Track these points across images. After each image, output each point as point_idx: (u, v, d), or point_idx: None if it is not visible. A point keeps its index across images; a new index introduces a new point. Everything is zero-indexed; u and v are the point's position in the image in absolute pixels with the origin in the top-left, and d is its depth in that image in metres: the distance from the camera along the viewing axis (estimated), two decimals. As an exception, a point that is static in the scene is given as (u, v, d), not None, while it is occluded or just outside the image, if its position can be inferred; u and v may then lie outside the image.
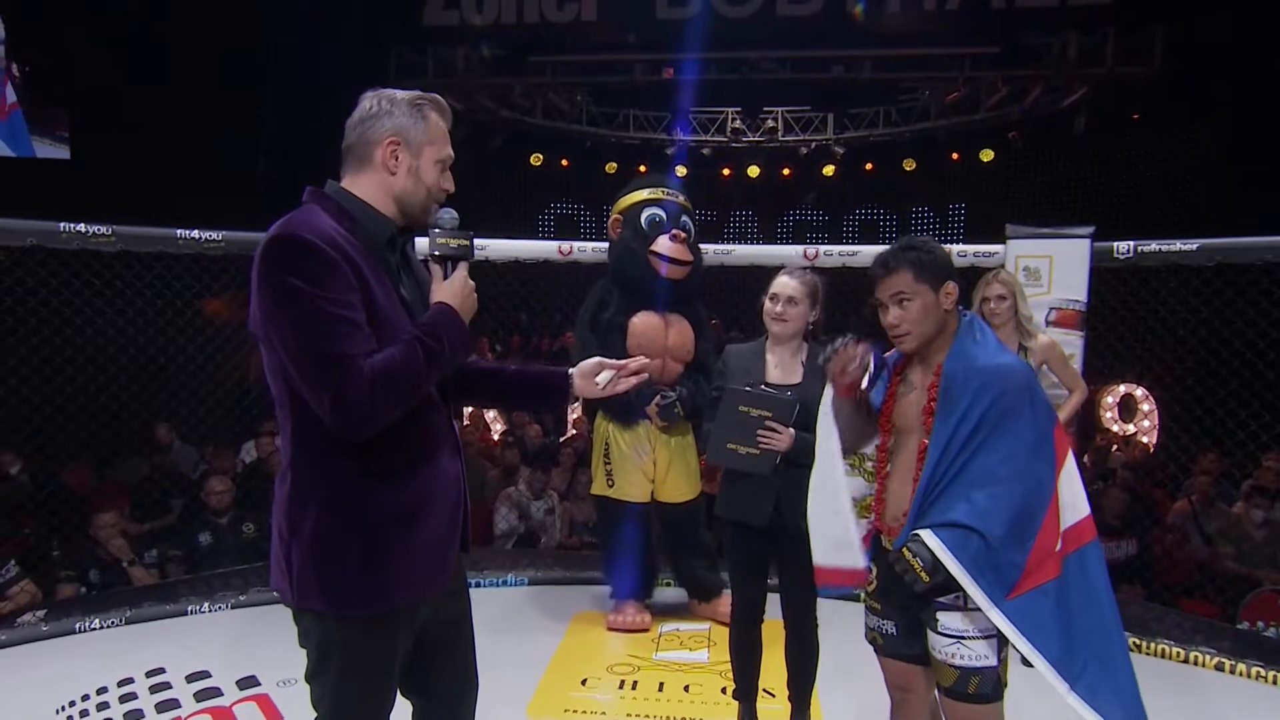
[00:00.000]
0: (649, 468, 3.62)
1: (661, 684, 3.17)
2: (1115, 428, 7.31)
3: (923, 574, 1.76)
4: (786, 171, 13.35)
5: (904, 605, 1.97)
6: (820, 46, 10.71)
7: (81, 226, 3.51)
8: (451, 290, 1.60)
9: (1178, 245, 3.51)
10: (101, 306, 4.10)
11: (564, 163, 13.21)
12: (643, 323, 3.55)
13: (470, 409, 6.79)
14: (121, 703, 2.92)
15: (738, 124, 12.60)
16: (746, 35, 10.50)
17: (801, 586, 2.60)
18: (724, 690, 3.10)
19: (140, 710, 2.87)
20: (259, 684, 3.05)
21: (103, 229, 3.54)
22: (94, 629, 3.56)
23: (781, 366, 2.62)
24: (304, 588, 1.53)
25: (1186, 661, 3.45)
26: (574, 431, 7.24)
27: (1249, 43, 7.91)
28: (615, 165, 13.26)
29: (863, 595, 2.10)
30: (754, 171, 13.05)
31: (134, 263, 3.79)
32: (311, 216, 1.51)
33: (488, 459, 6.37)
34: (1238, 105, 8.54)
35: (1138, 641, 3.56)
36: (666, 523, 3.74)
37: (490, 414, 7.54)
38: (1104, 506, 4.92)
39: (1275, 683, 3.28)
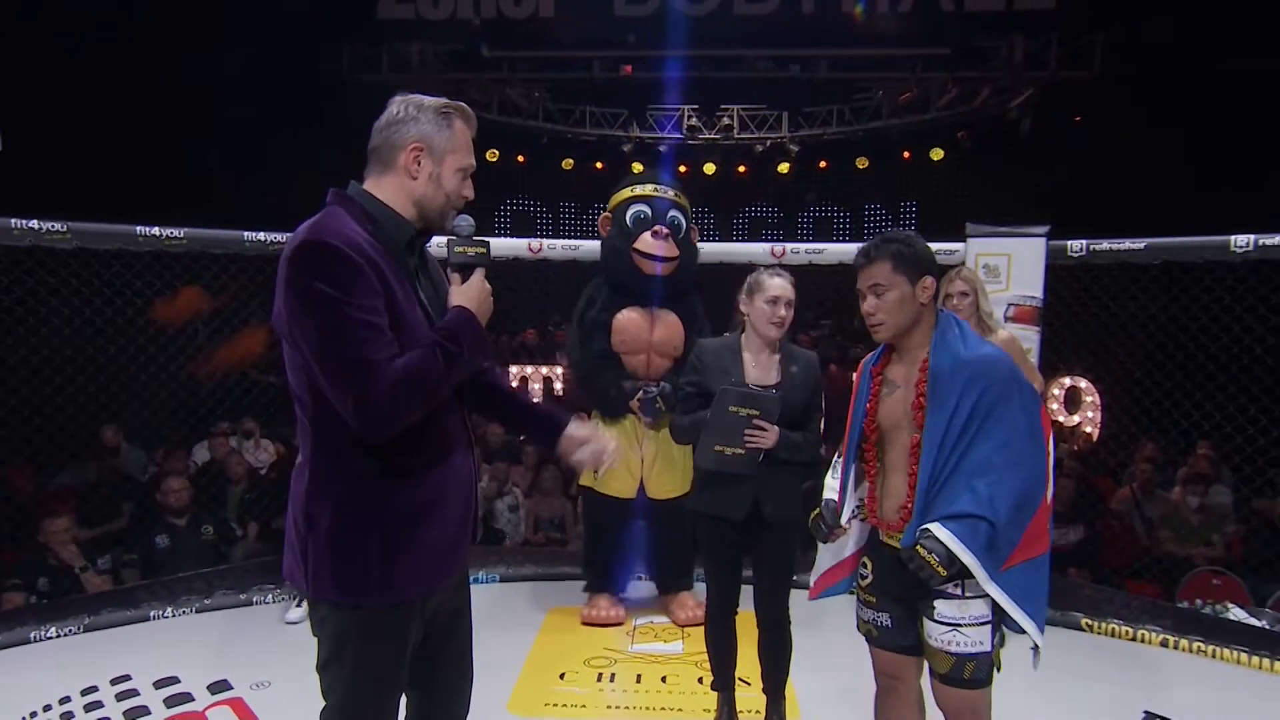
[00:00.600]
0: (635, 464, 3.65)
1: (639, 675, 3.21)
2: (1061, 419, 7.59)
3: (939, 569, 1.78)
4: (742, 169, 13.49)
5: (900, 596, 2.00)
6: (777, 46, 10.85)
7: (35, 223, 3.39)
8: (469, 295, 1.63)
9: (1126, 244, 3.68)
10: (46, 306, 3.96)
11: (520, 159, 13.13)
12: (625, 319, 3.58)
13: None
14: (87, 711, 2.84)
15: (694, 121, 12.69)
16: (704, 33, 10.58)
17: (777, 580, 2.66)
18: (700, 680, 3.16)
19: (108, 718, 2.80)
20: (231, 688, 3.00)
21: (58, 226, 3.42)
22: (50, 638, 3.45)
23: (760, 366, 2.63)
24: (320, 579, 1.56)
25: (1134, 639, 3.63)
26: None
27: (1185, 49, 8.27)
28: (572, 162, 13.23)
29: (856, 588, 2.14)
30: (710, 169, 13.15)
31: (76, 262, 3.66)
32: (336, 220, 1.53)
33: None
34: (1175, 108, 8.93)
35: (1089, 621, 3.73)
36: (650, 517, 3.77)
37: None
38: (1055, 495, 5.11)
39: (1215, 656, 3.47)
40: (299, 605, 3.72)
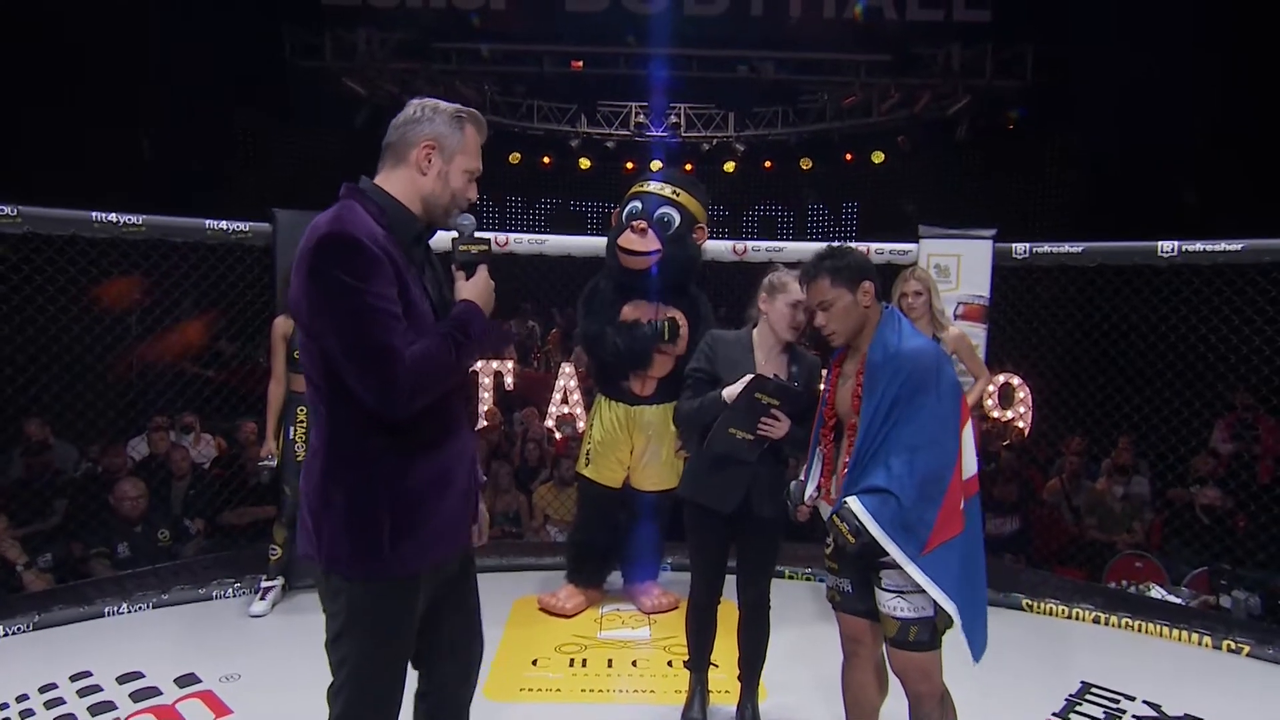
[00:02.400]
0: (625, 454, 3.71)
1: (610, 660, 3.29)
2: (995, 414, 7.98)
3: (850, 537, 2.02)
4: (689, 167, 13.61)
5: (856, 565, 2.18)
6: (725, 47, 11.02)
7: (-18, 206, 3.26)
8: (475, 290, 1.74)
9: (1066, 247, 3.92)
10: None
11: (468, 152, 12.95)
12: (629, 312, 3.63)
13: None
14: (48, 708, 2.78)
15: (641, 119, 12.77)
16: (653, 32, 10.68)
17: (761, 571, 2.75)
18: (669, 664, 3.26)
19: (72, 714, 2.74)
20: (200, 680, 2.96)
21: (7, 209, 3.30)
22: (-2, 636, 3.33)
23: (770, 364, 2.68)
24: (335, 555, 1.63)
25: (1070, 618, 3.89)
26: (486, 424, 7.21)
27: (1109, 60, 8.76)
28: (519, 155, 13.16)
29: (825, 556, 2.29)
30: (656, 166, 13.24)
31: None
32: (354, 214, 1.61)
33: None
34: (1100, 118, 9.45)
35: (1029, 602, 3.98)
36: (631, 507, 3.82)
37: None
38: (991, 488, 5.38)
39: (1140, 630, 3.76)
40: (263, 599, 3.68)
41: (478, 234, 1.79)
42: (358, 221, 1.58)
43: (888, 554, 2.03)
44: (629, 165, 13.44)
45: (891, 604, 2.10)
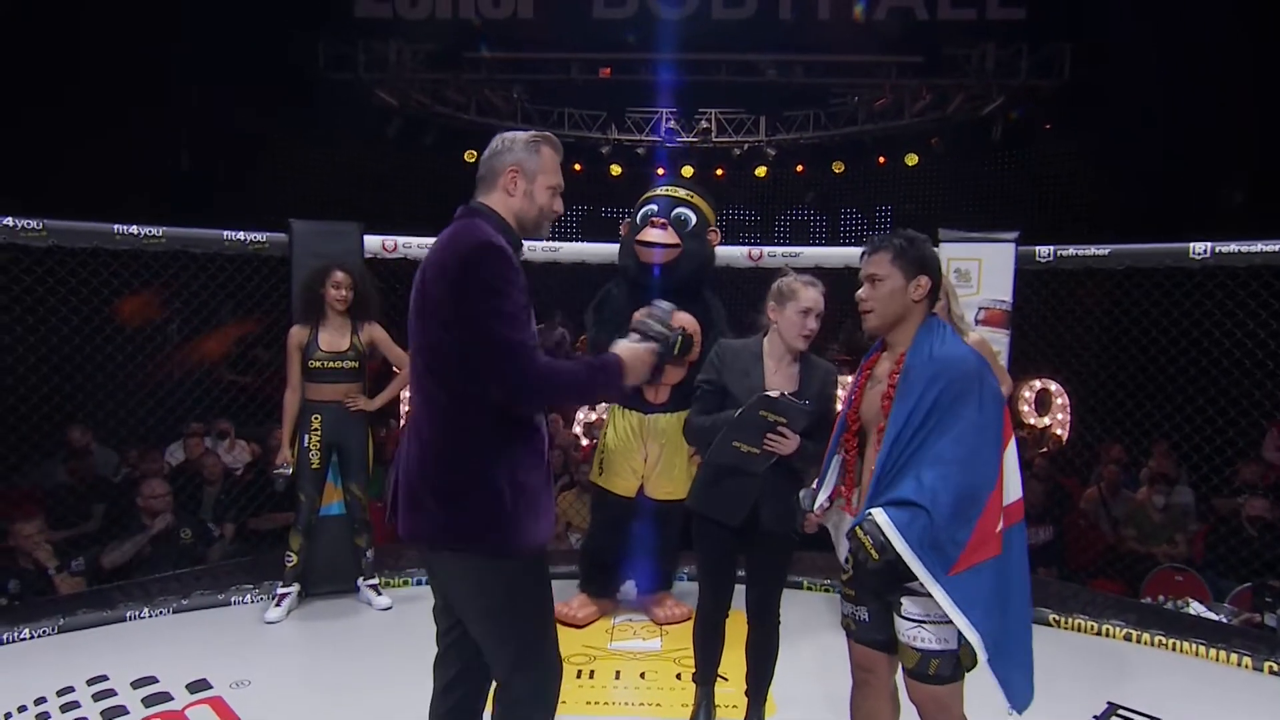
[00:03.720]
0: (638, 463, 3.67)
1: (618, 672, 3.26)
2: (1032, 420, 7.77)
3: (873, 552, 1.84)
4: (720, 172, 13.57)
5: (876, 591, 2.03)
6: (754, 50, 10.95)
7: (10, 221, 3.36)
8: (632, 353, 1.95)
9: (1092, 250, 3.79)
10: (15, 306, 3.91)
11: (500, 161, 13.06)
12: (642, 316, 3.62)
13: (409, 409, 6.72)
14: (63, 712, 2.83)
15: (672, 124, 12.75)
16: (682, 36, 10.66)
17: (770, 584, 2.69)
18: (678, 676, 3.21)
19: (85, 718, 2.79)
20: (211, 687, 3.00)
21: (34, 224, 3.40)
22: (24, 639, 3.41)
23: (781, 373, 2.62)
24: (476, 530, 1.78)
25: (1099, 634, 3.74)
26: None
27: (1150, 60, 8.50)
28: (550, 163, 13.22)
29: (840, 583, 2.17)
30: (688, 172, 13.21)
31: (50, 260, 3.62)
32: (489, 228, 1.83)
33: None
34: (1138, 116, 9.16)
35: (1056, 617, 3.83)
36: (645, 517, 3.77)
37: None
38: (1024, 496, 5.22)
39: (1175, 649, 3.59)
40: (278, 605, 3.72)
41: (671, 323, 2.02)
42: (495, 234, 1.81)
43: (911, 576, 1.87)
44: (660, 171, 13.44)
45: (912, 633, 1.94)
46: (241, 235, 3.87)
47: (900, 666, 2.03)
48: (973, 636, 1.85)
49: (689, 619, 3.69)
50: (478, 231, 1.80)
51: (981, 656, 1.87)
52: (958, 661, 1.96)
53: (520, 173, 1.91)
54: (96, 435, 5.96)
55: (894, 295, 2.00)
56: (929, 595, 1.87)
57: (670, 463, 3.65)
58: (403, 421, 7.20)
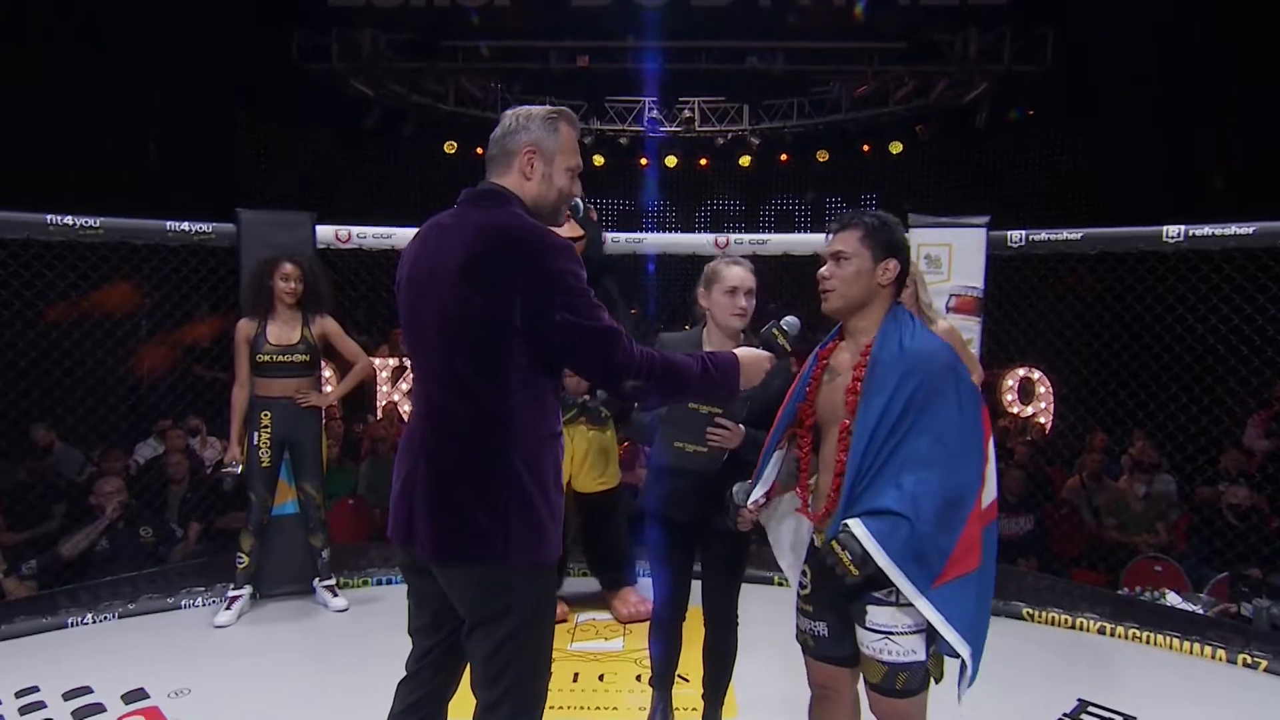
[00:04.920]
0: (566, 460, 3.57)
1: (576, 674, 3.15)
2: (1015, 410, 7.70)
3: (851, 568, 1.71)
4: (704, 161, 13.45)
5: (835, 603, 1.91)
6: (734, 37, 10.82)
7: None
8: (751, 356, 1.88)
9: (1064, 234, 3.69)
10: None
11: (479, 150, 12.91)
12: None
13: (383, 402, 6.59)
14: (-11, 725, 2.71)
15: (655, 114, 12.60)
16: (661, 24, 10.51)
17: (725, 583, 2.57)
18: (639, 678, 3.11)
19: (11, 733, 2.68)
20: (148, 696, 2.88)
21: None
22: (-43, 647, 3.29)
23: None
24: (513, 546, 1.66)
25: (1074, 627, 3.66)
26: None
27: (1133, 44, 8.40)
28: (532, 153, 13.07)
29: (796, 598, 2.04)
30: (671, 161, 13.09)
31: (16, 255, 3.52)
32: (525, 214, 1.73)
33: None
34: (1122, 102, 9.07)
35: (1030, 611, 3.75)
36: (583, 512, 3.71)
37: (405, 408, 7.34)
38: (1005, 486, 5.15)
39: (1149, 642, 3.52)
40: (228, 609, 3.60)
41: (792, 335, 2.00)
42: (536, 222, 1.71)
43: (885, 588, 1.76)
44: (643, 161, 13.30)
45: (877, 646, 1.81)
46: (186, 226, 3.74)
47: (863, 680, 1.91)
48: (964, 650, 1.75)
49: (653, 616, 3.59)
50: (523, 220, 1.69)
51: (970, 667, 1.79)
52: (925, 674, 1.85)
53: (538, 153, 1.76)
54: (62, 434, 5.82)
55: (859, 276, 1.86)
56: (897, 605, 1.78)
57: (599, 455, 3.63)
58: (378, 416, 7.09)
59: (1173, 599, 3.97)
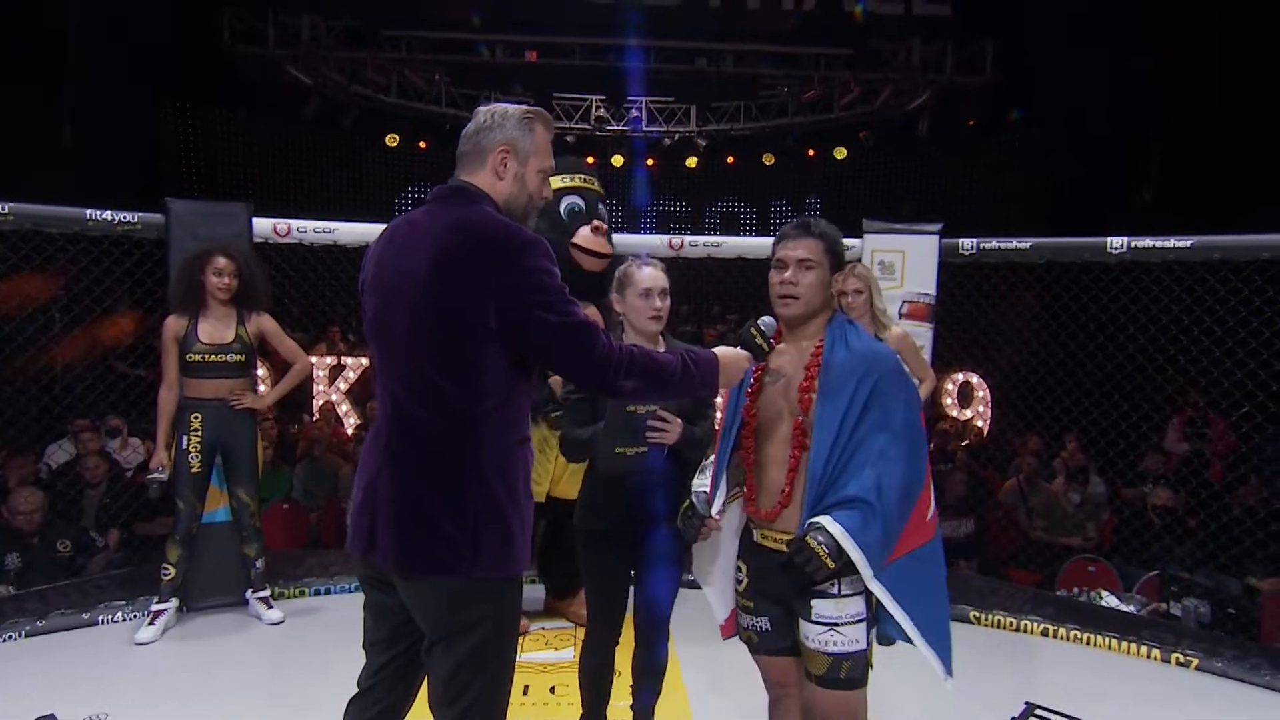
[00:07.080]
0: (547, 469, 3.41)
1: (526, 687, 3.06)
2: (954, 413, 7.89)
3: (828, 561, 1.75)
4: (650, 162, 13.42)
5: (777, 598, 1.95)
6: (683, 38, 10.83)
7: None
8: (731, 356, 1.85)
9: (1014, 244, 3.76)
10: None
11: (422, 145, 12.64)
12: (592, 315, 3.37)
13: (320, 402, 6.34)
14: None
15: (602, 112, 12.52)
16: (611, 22, 10.45)
17: (657, 596, 2.45)
18: (590, 690, 3.02)
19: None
20: (59, 723, 2.67)
21: None
22: None
23: None
24: (486, 558, 1.61)
25: (1018, 630, 3.73)
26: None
27: (1069, 59, 8.70)
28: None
29: (735, 594, 2.06)
30: (618, 161, 13.03)
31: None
32: (499, 214, 1.68)
33: (340, 455, 5.98)
34: (1058, 114, 9.39)
35: (977, 614, 3.80)
36: (554, 519, 3.55)
37: (343, 408, 7.09)
38: (947, 489, 5.24)
39: (1089, 643, 3.61)
40: (152, 624, 3.38)
41: (769, 336, 1.97)
42: (511, 221, 1.67)
43: (833, 579, 1.81)
44: (590, 159, 13.19)
45: (822, 638, 1.85)
46: (109, 215, 3.50)
47: (805, 674, 1.93)
48: (905, 622, 1.83)
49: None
50: (495, 218, 1.65)
51: (918, 640, 1.86)
52: (867, 663, 1.90)
53: (512, 152, 1.73)
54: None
55: (822, 285, 1.95)
56: (839, 596, 1.85)
57: (579, 466, 3.47)
58: (315, 416, 6.82)
59: (1109, 599, 4.10)
